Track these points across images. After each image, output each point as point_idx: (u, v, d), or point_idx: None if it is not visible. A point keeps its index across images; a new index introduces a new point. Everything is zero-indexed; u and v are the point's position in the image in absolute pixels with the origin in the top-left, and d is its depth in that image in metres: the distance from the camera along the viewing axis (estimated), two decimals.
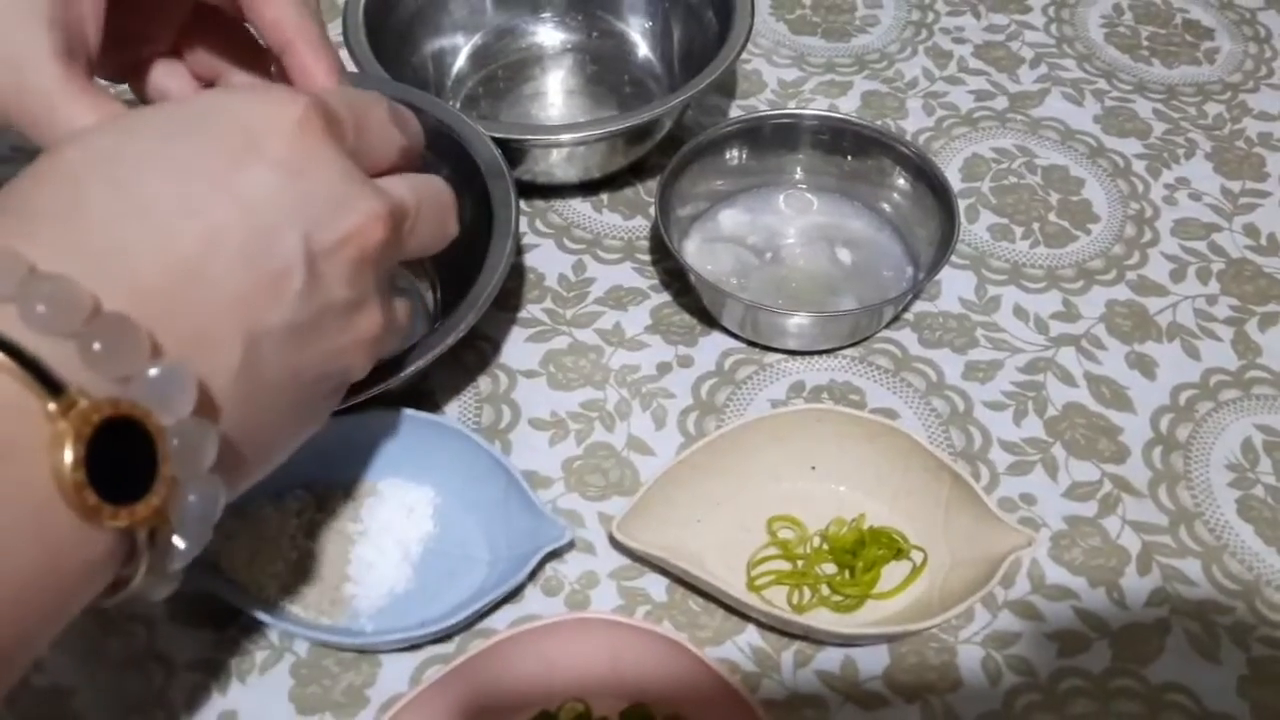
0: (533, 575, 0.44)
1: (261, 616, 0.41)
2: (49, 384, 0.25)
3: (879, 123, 0.63)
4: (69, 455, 0.24)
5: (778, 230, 0.57)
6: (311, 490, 0.46)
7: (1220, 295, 0.56)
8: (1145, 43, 0.70)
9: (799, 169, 0.58)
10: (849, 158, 0.57)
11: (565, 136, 0.55)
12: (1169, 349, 0.53)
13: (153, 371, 0.27)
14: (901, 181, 0.56)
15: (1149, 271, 0.57)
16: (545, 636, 0.40)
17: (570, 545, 0.46)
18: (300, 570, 0.44)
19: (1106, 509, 0.48)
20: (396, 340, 0.40)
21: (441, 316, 0.53)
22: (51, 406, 0.24)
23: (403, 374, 0.43)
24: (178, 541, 0.28)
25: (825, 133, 0.57)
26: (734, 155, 0.57)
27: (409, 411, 0.46)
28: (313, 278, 0.31)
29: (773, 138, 0.57)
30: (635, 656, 0.40)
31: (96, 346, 0.26)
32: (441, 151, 0.53)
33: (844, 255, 0.56)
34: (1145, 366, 0.53)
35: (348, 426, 0.45)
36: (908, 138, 0.63)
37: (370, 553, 0.44)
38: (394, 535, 0.45)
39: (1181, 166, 0.62)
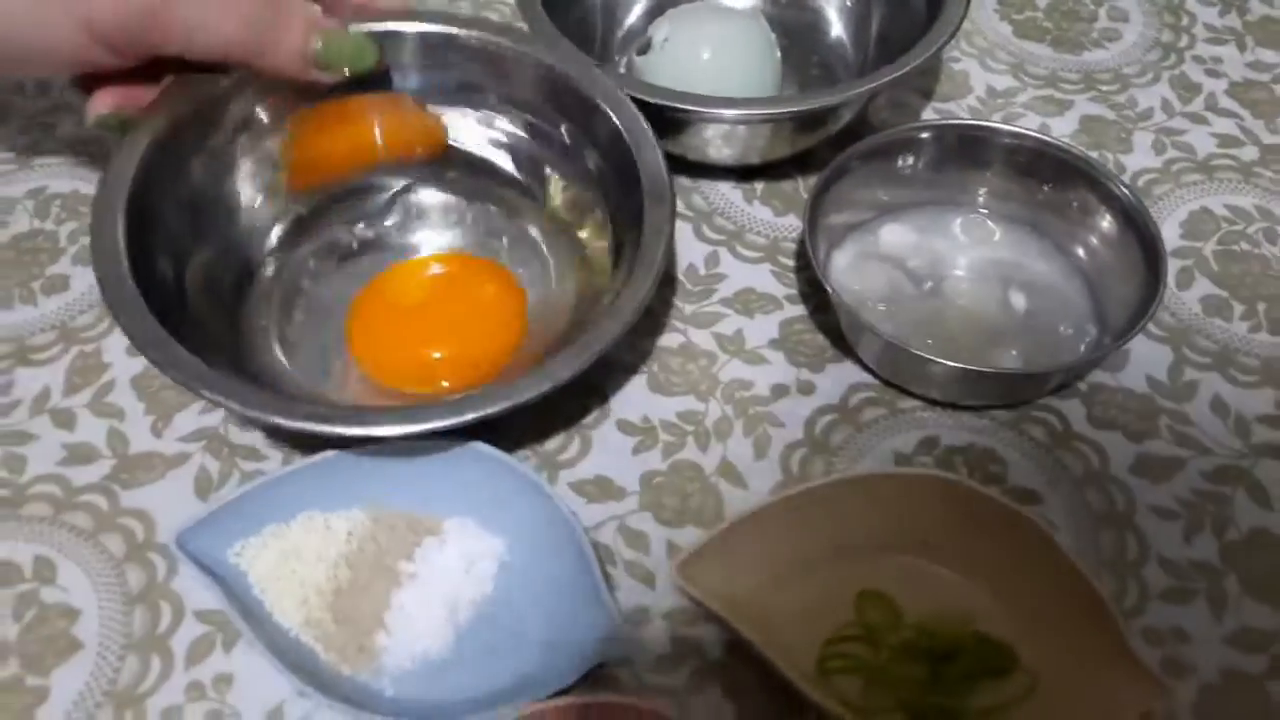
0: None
1: (268, 652, 0.37)
2: None
3: (1095, 154, 0.54)
4: None
5: (946, 258, 0.49)
6: (370, 514, 0.41)
7: None
8: None
9: (984, 191, 0.50)
10: (1046, 186, 0.49)
11: (728, 112, 0.49)
12: None
13: None
14: (1105, 225, 0.48)
15: None
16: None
17: (630, 659, 0.39)
18: (334, 604, 0.39)
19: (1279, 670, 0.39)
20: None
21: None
22: None
23: (504, 406, 0.38)
24: None
25: (1022, 153, 0.48)
26: (909, 163, 0.49)
27: (494, 451, 0.40)
28: None
29: (959, 150, 0.49)
30: None
31: None
32: (595, 139, 0.47)
33: (1018, 300, 0.48)
34: None
35: (422, 450, 0.41)
36: (1125, 176, 0.54)
37: (414, 602, 0.39)
38: (446, 587, 0.39)
39: None
